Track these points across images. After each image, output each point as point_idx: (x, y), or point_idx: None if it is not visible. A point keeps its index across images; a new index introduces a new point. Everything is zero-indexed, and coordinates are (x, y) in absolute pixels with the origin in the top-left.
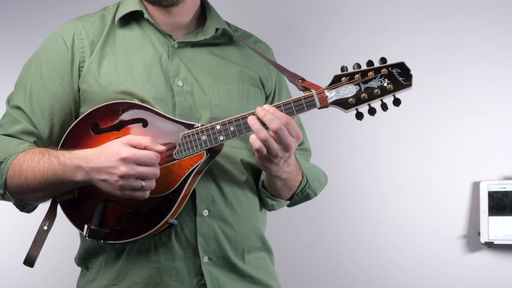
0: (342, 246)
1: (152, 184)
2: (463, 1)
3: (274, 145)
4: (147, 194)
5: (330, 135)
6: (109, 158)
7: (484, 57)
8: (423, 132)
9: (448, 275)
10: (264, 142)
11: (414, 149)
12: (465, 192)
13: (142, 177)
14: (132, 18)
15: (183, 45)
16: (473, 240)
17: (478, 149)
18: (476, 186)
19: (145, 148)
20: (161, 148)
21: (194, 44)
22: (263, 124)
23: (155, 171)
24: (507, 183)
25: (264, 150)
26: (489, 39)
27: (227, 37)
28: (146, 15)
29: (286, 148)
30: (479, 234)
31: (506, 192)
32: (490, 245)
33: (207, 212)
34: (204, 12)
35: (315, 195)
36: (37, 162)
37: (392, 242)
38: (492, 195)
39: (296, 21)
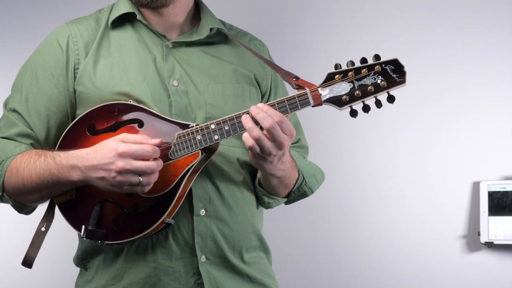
0: (341, 246)
1: (150, 179)
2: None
3: (267, 143)
4: (146, 189)
5: (328, 134)
6: (105, 154)
7: (483, 56)
8: (422, 131)
9: (448, 275)
10: (257, 140)
11: (414, 149)
12: (465, 192)
13: (139, 172)
14: (126, 20)
15: (178, 45)
16: (473, 240)
17: (478, 149)
18: (476, 186)
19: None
20: (156, 141)
21: (189, 44)
22: (257, 122)
23: (151, 165)
24: (507, 183)
25: (257, 148)
26: (489, 38)
27: (222, 36)
28: (138, 17)
29: (279, 146)
30: (479, 234)
31: (506, 192)
32: (490, 245)
33: (204, 212)
34: (198, 12)
35: (312, 192)
36: (33, 163)
37: (392, 242)
38: (492, 195)
39: (291, 20)
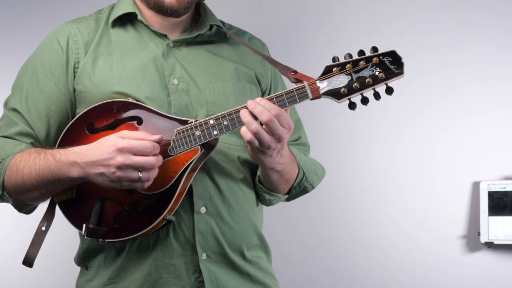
0: (341, 246)
1: (149, 175)
2: (463, 0)
3: (266, 136)
4: (146, 184)
5: (329, 134)
6: (105, 150)
7: (483, 57)
8: (423, 131)
9: (448, 275)
10: (256, 134)
11: (414, 149)
12: (465, 192)
13: (138, 167)
14: (126, 19)
15: (178, 44)
16: (473, 240)
17: (478, 149)
18: (476, 186)
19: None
20: (156, 137)
21: (189, 43)
22: (255, 117)
23: (151, 160)
24: (507, 183)
25: (256, 142)
26: (489, 38)
27: (222, 35)
28: (139, 17)
29: (278, 139)
30: (479, 234)
31: (506, 192)
32: (490, 245)
33: (205, 209)
34: (198, 11)
35: (313, 187)
36: (33, 161)
37: (392, 242)
38: (492, 195)
39: (292, 20)
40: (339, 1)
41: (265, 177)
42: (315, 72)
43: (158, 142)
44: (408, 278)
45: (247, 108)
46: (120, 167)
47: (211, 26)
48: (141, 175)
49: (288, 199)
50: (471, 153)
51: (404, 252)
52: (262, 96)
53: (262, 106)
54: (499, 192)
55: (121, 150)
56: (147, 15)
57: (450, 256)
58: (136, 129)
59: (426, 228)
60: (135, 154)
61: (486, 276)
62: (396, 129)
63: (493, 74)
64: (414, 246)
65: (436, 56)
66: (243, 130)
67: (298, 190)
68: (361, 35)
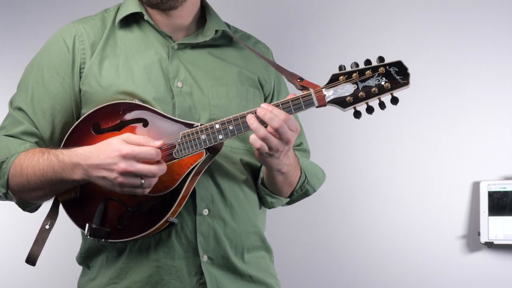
0: (342, 246)
1: (151, 182)
2: (463, 0)
3: (274, 141)
4: (146, 191)
5: (330, 136)
6: (109, 154)
7: (484, 57)
8: (423, 132)
9: (448, 275)
10: (264, 139)
11: (414, 149)
12: (465, 192)
13: (141, 175)
14: (132, 20)
15: (183, 46)
16: (473, 240)
17: (478, 149)
18: (476, 186)
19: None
20: (158, 143)
21: (194, 46)
22: (262, 122)
23: (153, 169)
24: (507, 183)
25: (266, 149)
26: (489, 39)
27: (227, 38)
28: (146, 17)
29: (287, 142)
30: (479, 234)
31: (506, 192)
32: (490, 245)
33: (207, 211)
34: (204, 14)
35: (314, 191)
36: (37, 161)
37: (392, 242)
38: (492, 195)
39: (295, 21)
40: (342, 4)
41: (270, 179)
42: (317, 76)
43: (160, 148)
44: (409, 278)
45: (253, 113)
46: (123, 174)
47: (216, 31)
48: (143, 181)
49: (289, 203)
50: (471, 153)
51: (404, 252)
52: (265, 100)
53: (271, 112)
54: (499, 192)
55: (125, 157)
56: (153, 15)
57: (450, 256)
58: (142, 131)
59: (426, 228)
60: (138, 161)
61: (486, 276)
62: (396, 129)
63: (493, 74)
64: (414, 246)
65: (437, 57)
66: (253, 138)
67: (300, 193)
68: (362, 37)
